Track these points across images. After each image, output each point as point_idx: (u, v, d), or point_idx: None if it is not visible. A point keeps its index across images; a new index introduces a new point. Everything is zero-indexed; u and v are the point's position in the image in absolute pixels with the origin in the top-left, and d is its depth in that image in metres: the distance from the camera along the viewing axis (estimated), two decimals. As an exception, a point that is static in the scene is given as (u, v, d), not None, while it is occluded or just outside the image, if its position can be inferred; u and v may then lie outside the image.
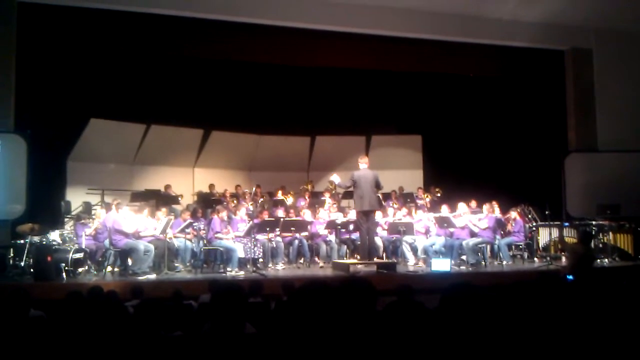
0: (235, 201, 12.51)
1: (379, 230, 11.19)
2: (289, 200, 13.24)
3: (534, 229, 11.74)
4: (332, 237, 11.45)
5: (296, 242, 11.19)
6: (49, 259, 8.72)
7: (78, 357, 3.07)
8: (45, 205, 11.49)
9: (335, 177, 10.34)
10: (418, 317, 2.95)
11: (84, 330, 3.33)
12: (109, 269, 9.89)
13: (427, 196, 13.55)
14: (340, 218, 11.69)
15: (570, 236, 11.67)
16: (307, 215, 11.86)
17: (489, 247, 11.06)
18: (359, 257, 10.48)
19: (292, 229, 11.03)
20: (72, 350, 3.11)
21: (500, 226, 11.16)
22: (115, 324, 3.31)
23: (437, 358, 2.48)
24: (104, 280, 8.86)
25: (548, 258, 11.12)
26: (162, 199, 12.46)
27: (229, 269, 9.93)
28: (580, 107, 13.94)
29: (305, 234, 11.32)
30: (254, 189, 13.62)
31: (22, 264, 9.51)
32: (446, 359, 2.47)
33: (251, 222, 10.68)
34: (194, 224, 10.79)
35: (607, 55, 13.83)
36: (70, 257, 9.02)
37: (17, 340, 3.29)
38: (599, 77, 13.88)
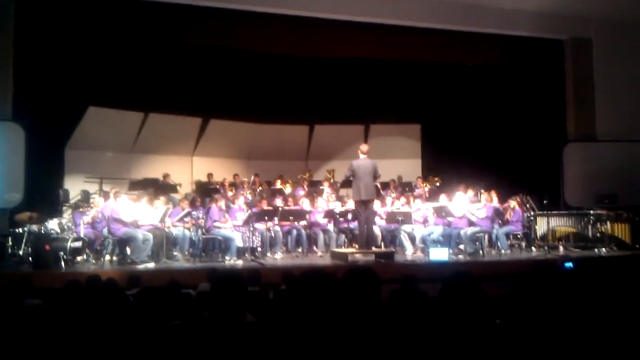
0: (233, 190, 12.51)
1: (377, 219, 11.20)
2: (288, 189, 13.25)
3: (532, 218, 11.75)
4: (330, 226, 11.48)
5: (294, 231, 11.21)
6: (47, 247, 8.72)
7: (77, 345, 3.07)
8: (44, 194, 11.46)
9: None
10: (422, 305, 2.96)
11: (82, 318, 3.34)
12: (108, 257, 9.90)
13: (425, 185, 13.55)
14: (338, 207, 11.71)
15: (568, 225, 11.70)
16: (305, 204, 11.87)
17: (486, 236, 11.08)
18: (357, 246, 10.49)
19: (290, 218, 11.05)
20: (71, 338, 3.12)
21: (498, 215, 11.18)
22: (114, 312, 3.32)
23: (439, 346, 2.49)
24: (103, 269, 8.88)
25: (546, 247, 11.15)
26: (160, 188, 12.44)
27: (227, 257, 9.96)
28: (579, 96, 13.91)
29: (303, 223, 11.34)
30: (252, 177, 13.61)
31: (21, 252, 9.53)
32: (447, 347, 2.48)
33: (249, 211, 10.69)
34: (193, 213, 10.79)
35: (607, 45, 13.77)
36: (68, 246, 9.02)
37: (15, 329, 3.30)
38: (598, 67, 13.83)
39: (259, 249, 10.60)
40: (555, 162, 13.71)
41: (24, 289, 4.61)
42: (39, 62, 11.62)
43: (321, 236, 11.38)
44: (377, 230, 11.03)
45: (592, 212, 11.58)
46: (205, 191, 12.62)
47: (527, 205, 11.98)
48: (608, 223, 11.45)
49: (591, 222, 11.38)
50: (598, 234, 11.43)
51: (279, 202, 12.02)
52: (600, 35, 13.81)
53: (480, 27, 13.16)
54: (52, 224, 9.99)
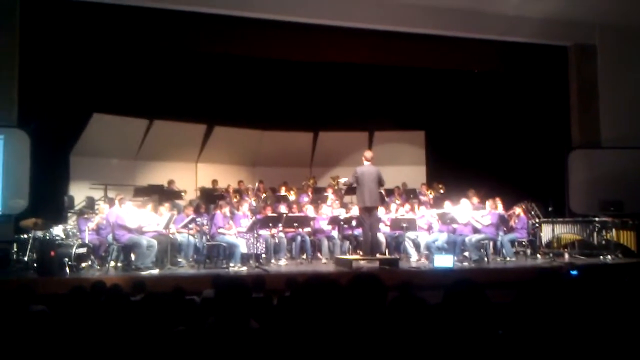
0: (237, 197, 12.51)
1: (381, 226, 11.19)
2: (292, 196, 13.25)
3: (536, 225, 11.72)
4: (334, 233, 11.46)
5: (299, 237, 11.20)
6: (52, 253, 8.72)
7: (81, 351, 3.08)
8: (49, 200, 11.50)
9: (344, 179, 10.32)
10: (420, 312, 2.96)
11: (87, 324, 3.34)
12: (112, 264, 9.91)
13: (430, 192, 13.54)
14: (342, 214, 11.70)
15: (573, 233, 11.66)
16: (309, 211, 11.86)
17: (491, 243, 11.05)
18: (361, 253, 10.48)
19: (294, 224, 11.03)
20: (76, 344, 3.13)
21: (503, 222, 11.15)
22: (118, 318, 3.33)
23: (440, 354, 2.49)
24: (107, 275, 8.88)
25: (551, 255, 11.11)
26: (165, 194, 12.47)
27: (231, 264, 9.95)
28: (584, 103, 13.90)
29: (307, 229, 11.33)
30: (256, 184, 13.63)
31: (26, 258, 9.56)
32: (448, 355, 2.48)
33: (254, 217, 10.69)
34: (197, 220, 10.80)
35: (611, 51, 13.77)
36: (73, 252, 9.03)
37: (20, 335, 3.30)
38: (602, 73, 13.83)
39: (263, 255, 10.60)
40: (560, 169, 13.68)
41: (28, 296, 4.62)
42: (44, 69, 11.68)
43: (325, 243, 11.37)
44: (381, 237, 11.02)
45: (597, 219, 11.55)
46: (210, 198, 12.62)
47: (532, 213, 11.96)
48: (613, 230, 11.41)
49: (596, 229, 11.34)
50: (603, 242, 11.39)
51: (283, 208, 12.03)
52: (605, 41, 13.81)
53: (484, 34, 13.17)
54: (57, 230, 10.03)
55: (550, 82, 14.10)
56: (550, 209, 11.35)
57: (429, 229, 11.51)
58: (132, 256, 9.62)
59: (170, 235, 10.08)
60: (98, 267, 9.71)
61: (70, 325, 3.53)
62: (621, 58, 13.72)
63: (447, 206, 11.22)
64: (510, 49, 13.58)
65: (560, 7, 12.59)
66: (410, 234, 11.17)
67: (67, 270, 8.87)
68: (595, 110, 13.76)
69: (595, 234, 11.37)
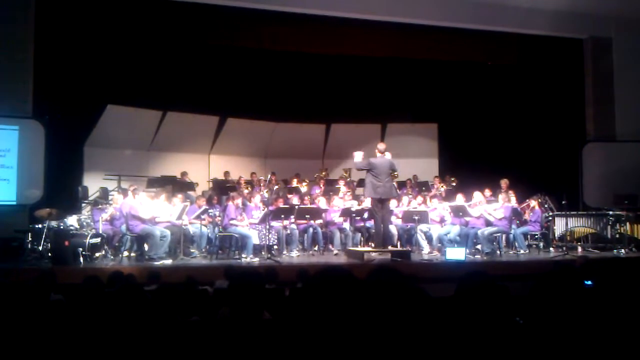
0: (249, 188, 12.55)
1: (393, 218, 11.18)
2: (304, 187, 13.26)
3: (550, 218, 11.66)
4: (346, 225, 11.47)
5: (311, 229, 11.21)
6: (66, 243, 8.83)
7: (94, 340, 3.11)
8: (63, 191, 11.61)
9: (358, 155, 10.13)
10: (425, 306, 2.95)
11: (103, 314, 3.37)
12: (126, 254, 9.99)
13: (442, 185, 13.49)
14: (354, 206, 11.69)
15: (586, 226, 11.59)
16: (321, 202, 11.86)
17: (504, 236, 11.00)
18: (373, 245, 10.48)
19: (306, 216, 11.05)
20: (89, 333, 3.16)
21: (516, 215, 11.08)
22: (133, 308, 3.35)
23: (451, 347, 2.49)
24: (121, 265, 8.95)
25: (564, 248, 11.06)
26: (178, 185, 12.53)
27: (243, 255, 9.99)
28: (599, 96, 13.79)
29: (319, 221, 11.34)
30: (269, 176, 13.64)
31: (40, 248, 9.63)
32: (459, 349, 2.48)
33: (266, 209, 10.72)
34: (209, 211, 10.85)
35: (627, 44, 13.63)
36: (87, 242, 9.12)
37: (39, 323, 3.35)
38: (618, 67, 13.69)
39: (275, 246, 10.63)
40: (574, 162, 13.60)
41: (50, 284, 4.67)
42: (58, 61, 11.76)
43: (337, 235, 11.37)
44: (393, 229, 11.01)
45: (611, 212, 11.45)
46: (222, 189, 12.67)
47: (546, 206, 11.89)
48: (627, 224, 11.31)
49: (610, 222, 11.25)
50: (617, 235, 11.30)
51: (295, 200, 12.04)
52: (621, 34, 13.67)
53: (499, 26, 13.09)
54: (72, 220, 10.12)
55: (565, 75, 14.00)
56: (564, 202, 11.28)
57: (441, 221, 11.47)
58: (145, 246, 9.69)
59: (183, 226, 10.14)
60: (112, 257, 9.79)
61: (84, 314, 3.57)
62: (637, 51, 13.57)
63: (459, 199, 11.18)
64: (526, 41, 13.49)
65: (576, -1, 12.50)
66: (423, 227, 11.14)
67: (81, 260, 8.96)
68: (610, 103, 13.65)
69: (609, 228, 11.28)
